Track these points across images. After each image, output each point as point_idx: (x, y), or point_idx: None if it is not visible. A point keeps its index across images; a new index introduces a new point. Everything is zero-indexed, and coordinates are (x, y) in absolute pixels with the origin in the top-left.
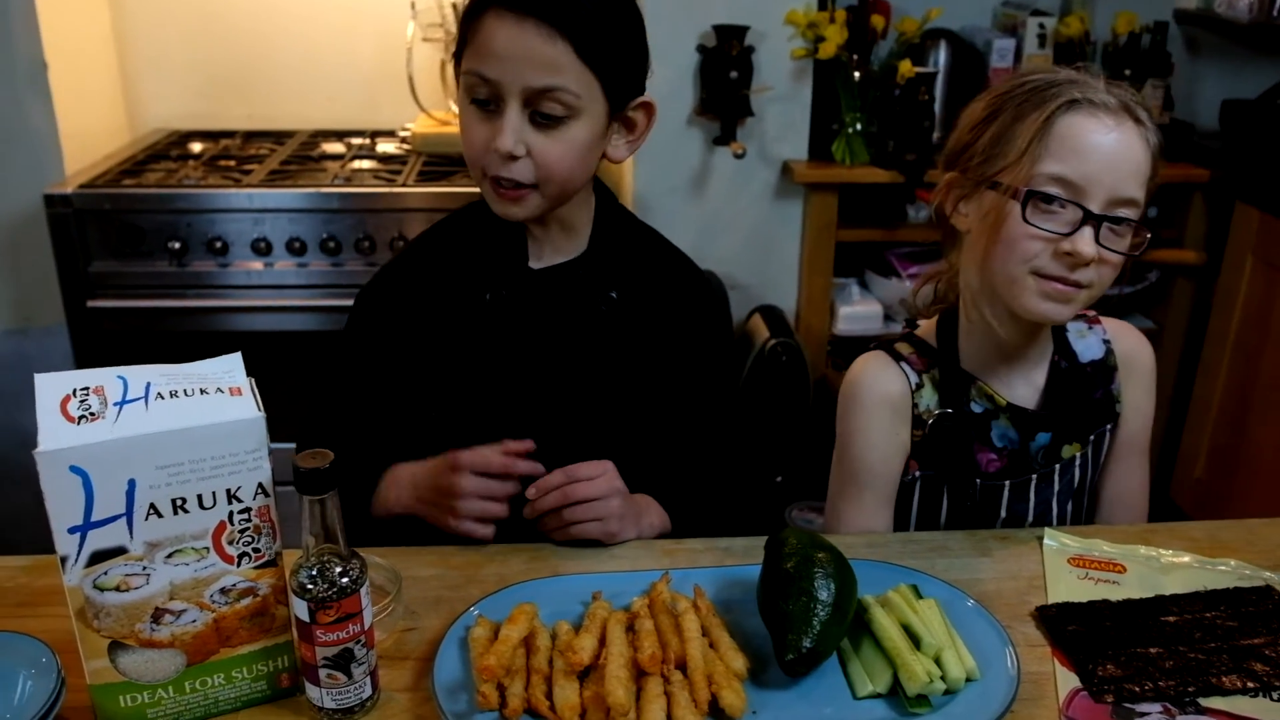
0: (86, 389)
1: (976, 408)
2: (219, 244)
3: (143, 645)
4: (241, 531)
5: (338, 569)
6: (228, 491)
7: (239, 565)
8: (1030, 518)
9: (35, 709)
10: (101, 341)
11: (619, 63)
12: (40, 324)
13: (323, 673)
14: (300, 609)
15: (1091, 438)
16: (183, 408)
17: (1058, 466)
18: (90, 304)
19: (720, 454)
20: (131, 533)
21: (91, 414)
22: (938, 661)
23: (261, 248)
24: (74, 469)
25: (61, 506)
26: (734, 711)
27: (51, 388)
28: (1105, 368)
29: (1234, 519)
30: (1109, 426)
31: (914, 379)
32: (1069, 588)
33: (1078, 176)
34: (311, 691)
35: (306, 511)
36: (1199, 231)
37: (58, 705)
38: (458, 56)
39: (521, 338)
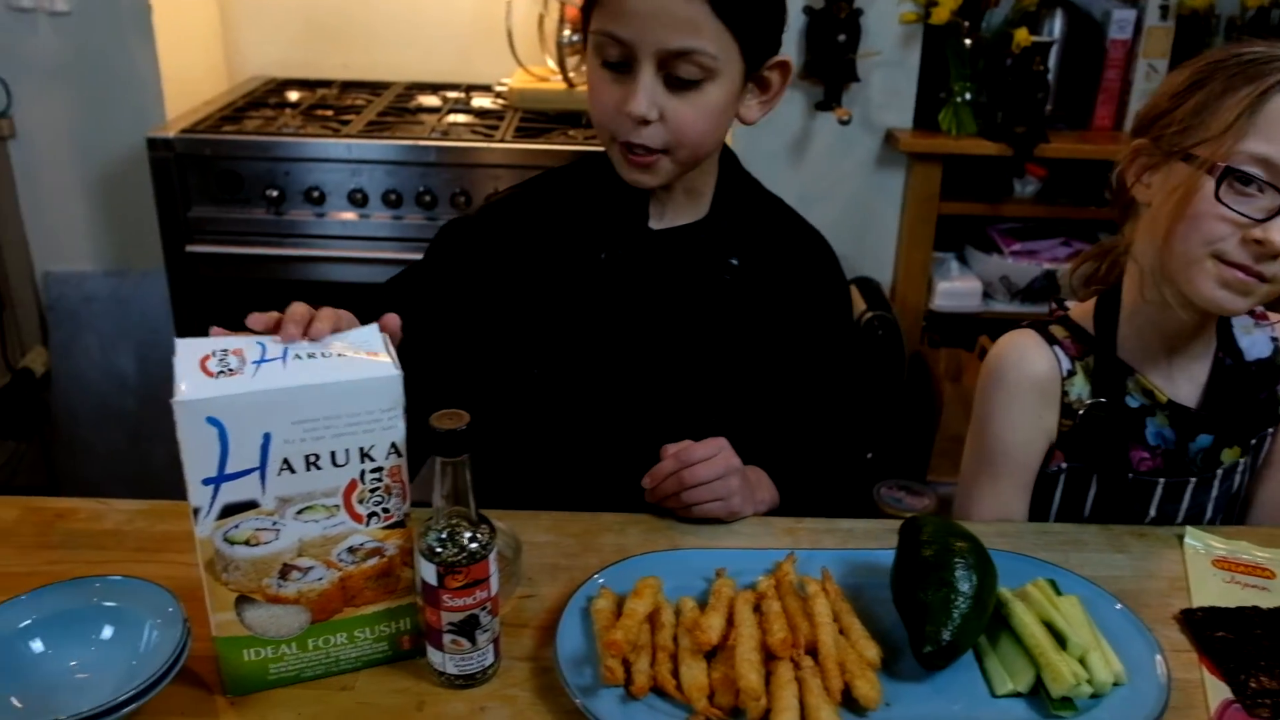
0: (225, 350)
1: (1132, 402)
2: (316, 193)
3: (269, 601)
4: (372, 490)
5: (467, 534)
6: (360, 450)
7: (367, 525)
8: (1180, 518)
9: (162, 658)
10: (198, 287)
11: (757, 21)
12: (138, 267)
13: (447, 638)
14: (428, 572)
15: (1253, 442)
16: (320, 366)
17: (1219, 472)
18: (188, 249)
19: (824, 429)
20: (264, 487)
21: (230, 370)
22: (1083, 663)
23: (358, 199)
24: (210, 420)
25: (197, 458)
26: (869, 703)
27: (191, 350)
28: (1272, 367)
29: None
30: (1270, 431)
31: (1066, 365)
32: (1215, 592)
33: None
34: (434, 656)
35: (439, 474)
36: None
37: (184, 656)
38: (586, 13)
39: (636, 299)
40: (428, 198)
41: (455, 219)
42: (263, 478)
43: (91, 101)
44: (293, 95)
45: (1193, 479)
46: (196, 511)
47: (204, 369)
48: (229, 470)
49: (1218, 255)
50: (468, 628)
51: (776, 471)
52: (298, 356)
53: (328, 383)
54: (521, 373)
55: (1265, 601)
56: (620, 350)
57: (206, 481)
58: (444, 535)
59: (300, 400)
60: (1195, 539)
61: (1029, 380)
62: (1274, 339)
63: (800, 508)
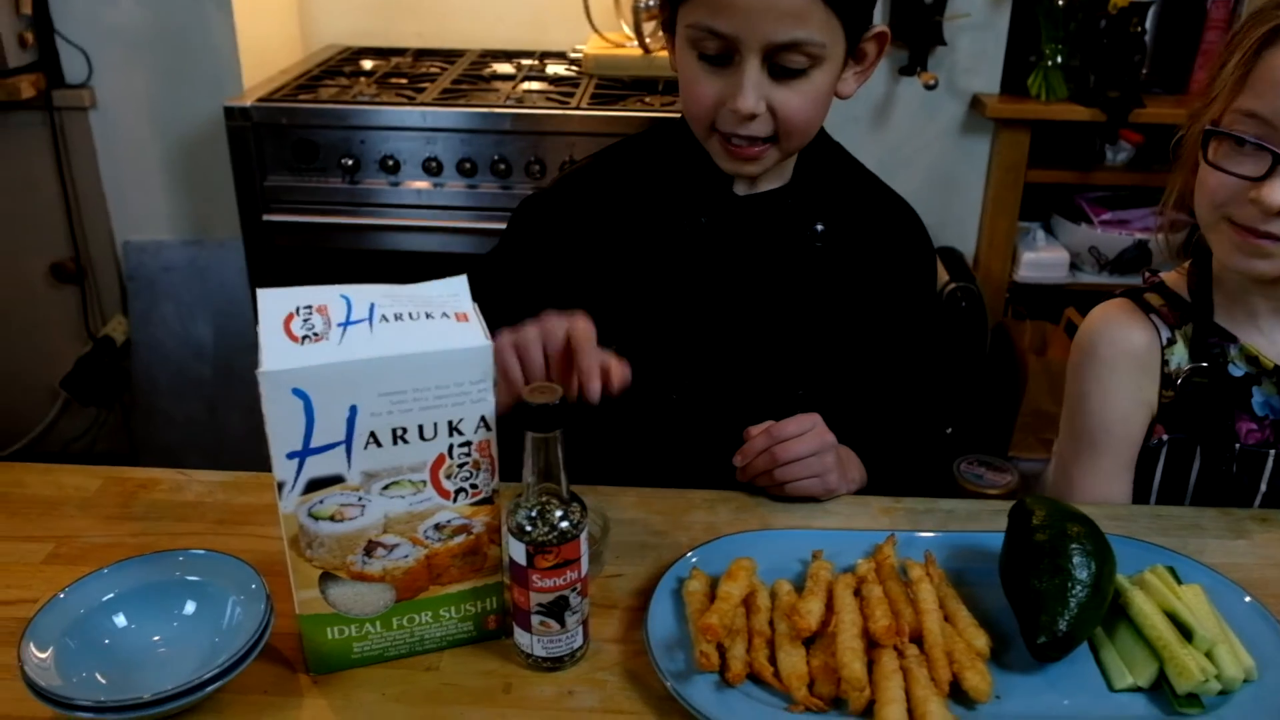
0: (310, 307)
1: (1235, 370)
2: (391, 162)
3: (353, 578)
4: (460, 466)
5: (558, 512)
6: (449, 423)
7: (455, 501)
8: None
9: (246, 635)
10: (274, 256)
11: (861, 1)
12: (215, 237)
13: (535, 619)
14: (517, 551)
15: None
16: (407, 331)
17: None
18: (265, 218)
19: (909, 403)
20: (350, 461)
21: (315, 334)
22: (1209, 657)
23: (432, 167)
24: (296, 391)
25: (282, 430)
26: (979, 695)
27: (275, 303)
28: None
29: None
30: None
31: (1165, 334)
32: None
33: (1273, 115)
34: (521, 637)
35: (530, 449)
36: None
37: (266, 634)
38: (674, 3)
39: (726, 268)
40: (502, 166)
41: (531, 195)
42: (349, 452)
43: (170, 72)
44: (367, 64)
45: None
46: (281, 486)
47: (288, 332)
48: (314, 444)
49: (1228, 218)
50: (557, 609)
51: (862, 446)
52: (384, 318)
53: (417, 353)
54: (607, 339)
55: None
56: (710, 321)
57: (291, 455)
58: (534, 513)
59: (388, 371)
60: None
61: (1126, 352)
62: None
63: (883, 485)
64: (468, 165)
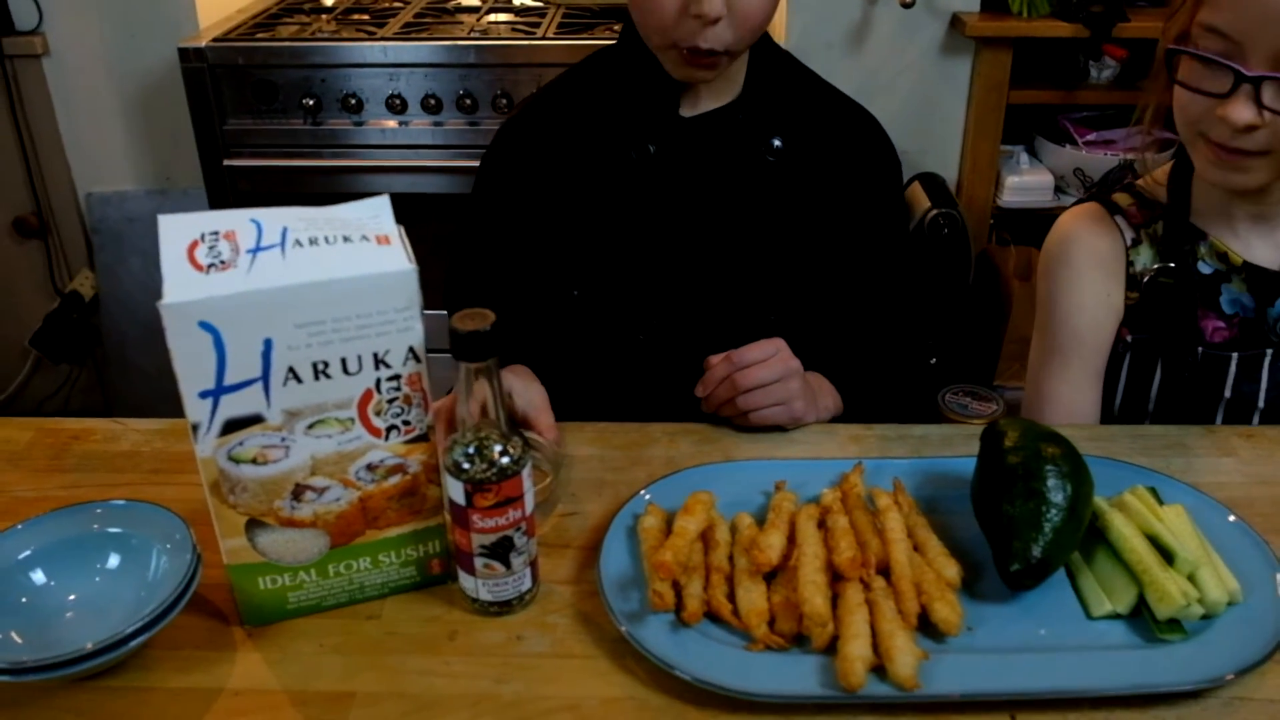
0: (216, 233)
1: (1205, 268)
2: (353, 100)
3: (283, 524)
4: (390, 401)
5: (497, 448)
6: (374, 355)
7: (387, 439)
8: (1262, 402)
9: (170, 587)
10: (238, 202)
11: None
12: (179, 185)
13: (479, 562)
14: (455, 491)
15: None
16: (324, 257)
17: None
18: (226, 163)
19: (887, 326)
20: (268, 399)
21: (222, 262)
22: (1192, 580)
23: (396, 105)
24: (203, 325)
25: (191, 368)
26: (948, 628)
27: (177, 230)
28: None
29: None
30: None
31: (1129, 235)
32: None
33: (1233, 30)
34: (466, 581)
35: (464, 381)
36: None
37: (193, 585)
38: None
39: (678, 193)
40: (468, 101)
41: (487, 148)
42: (266, 389)
43: (123, 14)
44: (328, 0)
45: (1270, 350)
46: (195, 428)
47: (193, 260)
48: (228, 381)
49: (1203, 134)
50: (501, 550)
51: (837, 373)
52: (298, 243)
53: (333, 279)
54: (567, 286)
55: None
56: (671, 251)
57: (204, 394)
58: (471, 450)
59: (303, 300)
60: None
61: (1091, 255)
62: None
63: (862, 413)
64: (432, 102)
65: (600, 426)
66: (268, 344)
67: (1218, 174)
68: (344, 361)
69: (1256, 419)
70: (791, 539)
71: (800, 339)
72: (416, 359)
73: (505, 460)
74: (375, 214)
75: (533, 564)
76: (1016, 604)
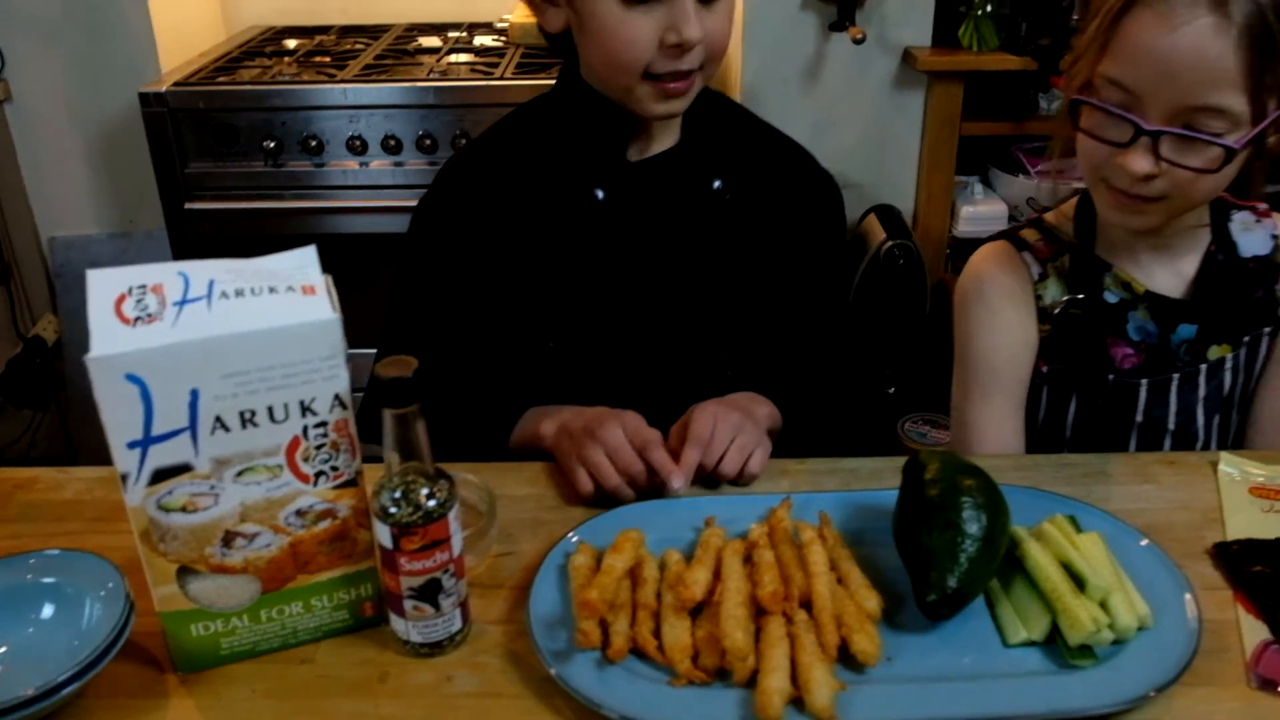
0: (144, 287)
1: (1111, 297)
2: (314, 143)
3: (214, 571)
4: (317, 448)
5: (424, 491)
6: (301, 403)
7: (315, 485)
8: (1171, 424)
9: (103, 634)
10: (200, 244)
11: None
12: (143, 227)
13: (408, 604)
14: (383, 535)
15: (1246, 340)
16: (249, 308)
17: (1204, 368)
18: (188, 206)
19: (835, 359)
20: (196, 448)
21: (149, 315)
22: (1104, 606)
23: (357, 146)
24: (130, 377)
25: (118, 419)
26: (867, 659)
27: (105, 285)
28: (1271, 265)
29: None
30: (1267, 331)
31: (1036, 270)
32: (1251, 522)
33: (1133, 84)
34: (396, 623)
35: (389, 427)
36: None
37: (125, 633)
38: None
39: (629, 240)
40: (428, 141)
41: (422, 198)
42: (194, 438)
43: (85, 60)
44: (290, 43)
45: (1176, 375)
46: (125, 478)
47: (119, 314)
48: (155, 432)
49: (1104, 179)
50: (429, 592)
51: (789, 407)
52: (224, 295)
53: (258, 330)
54: (535, 341)
55: None
56: (622, 294)
57: (132, 445)
58: (397, 494)
59: (228, 351)
60: (1231, 465)
61: (1002, 292)
62: (1274, 235)
63: (811, 442)
64: (392, 142)
65: (538, 466)
66: (194, 394)
67: (1118, 217)
68: (270, 410)
69: (1168, 441)
70: (718, 574)
71: (752, 375)
72: (343, 406)
73: (431, 504)
74: (302, 265)
75: (463, 605)
76: (936, 633)
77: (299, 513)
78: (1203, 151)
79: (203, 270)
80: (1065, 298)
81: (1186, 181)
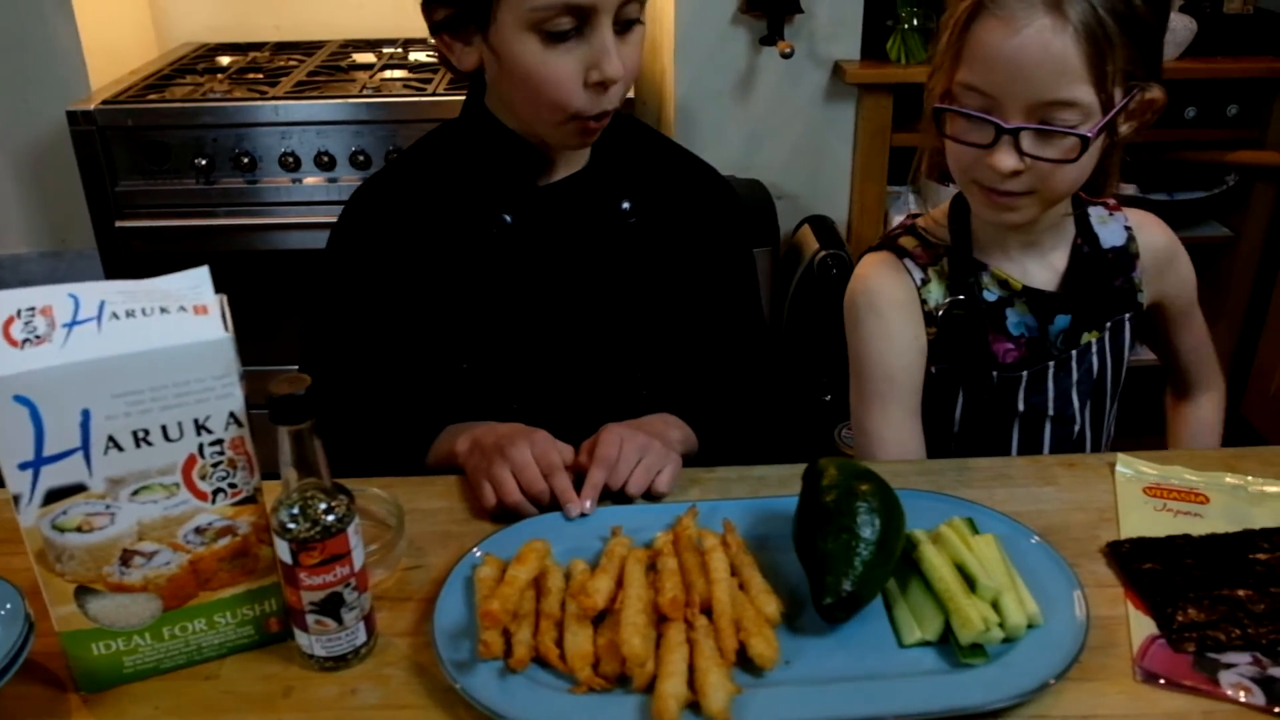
0: (33, 309)
1: (990, 296)
2: (245, 159)
3: (113, 590)
4: (214, 465)
5: (322, 506)
6: (195, 422)
7: (214, 502)
8: (1050, 410)
9: (0, 655)
10: (132, 262)
11: None
12: (75, 246)
13: (310, 618)
14: (282, 550)
15: (1109, 325)
16: (140, 328)
17: (1074, 354)
18: (118, 224)
19: (753, 370)
20: (90, 468)
21: (37, 337)
22: (996, 606)
23: (289, 163)
24: (19, 399)
25: (8, 440)
26: (764, 662)
27: None
28: (1126, 254)
29: None
30: (1129, 315)
31: (918, 275)
32: (1144, 520)
33: (988, 87)
34: (300, 638)
35: (285, 444)
36: None
37: (23, 653)
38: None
39: (538, 264)
40: (361, 158)
41: (336, 222)
42: (87, 458)
43: (12, 78)
44: (224, 60)
45: (1051, 363)
46: (17, 499)
47: (8, 336)
48: (47, 452)
49: (975, 180)
50: (331, 606)
51: (705, 418)
52: (114, 316)
53: (147, 350)
54: (449, 362)
55: (1197, 529)
56: (534, 317)
57: (24, 466)
58: (296, 510)
59: (118, 371)
60: (1126, 465)
61: (890, 301)
62: (1126, 227)
63: (740, 455)
64: (326, 159)
65: (450, 480)
66: (85, 414)
67: (992, 214)
68: (164, 429)
69: (1048, 426)
70: (621, 583)
71: (667, 393)
72: (239, 424)
73: (330, 519)
74: (195, 285)
75: (367, 618)
76: (834, 636)
77: (198, 530)
78: (1060, 143)
79: (93, 292)
80: (948, 300)
81: (1049, 173)
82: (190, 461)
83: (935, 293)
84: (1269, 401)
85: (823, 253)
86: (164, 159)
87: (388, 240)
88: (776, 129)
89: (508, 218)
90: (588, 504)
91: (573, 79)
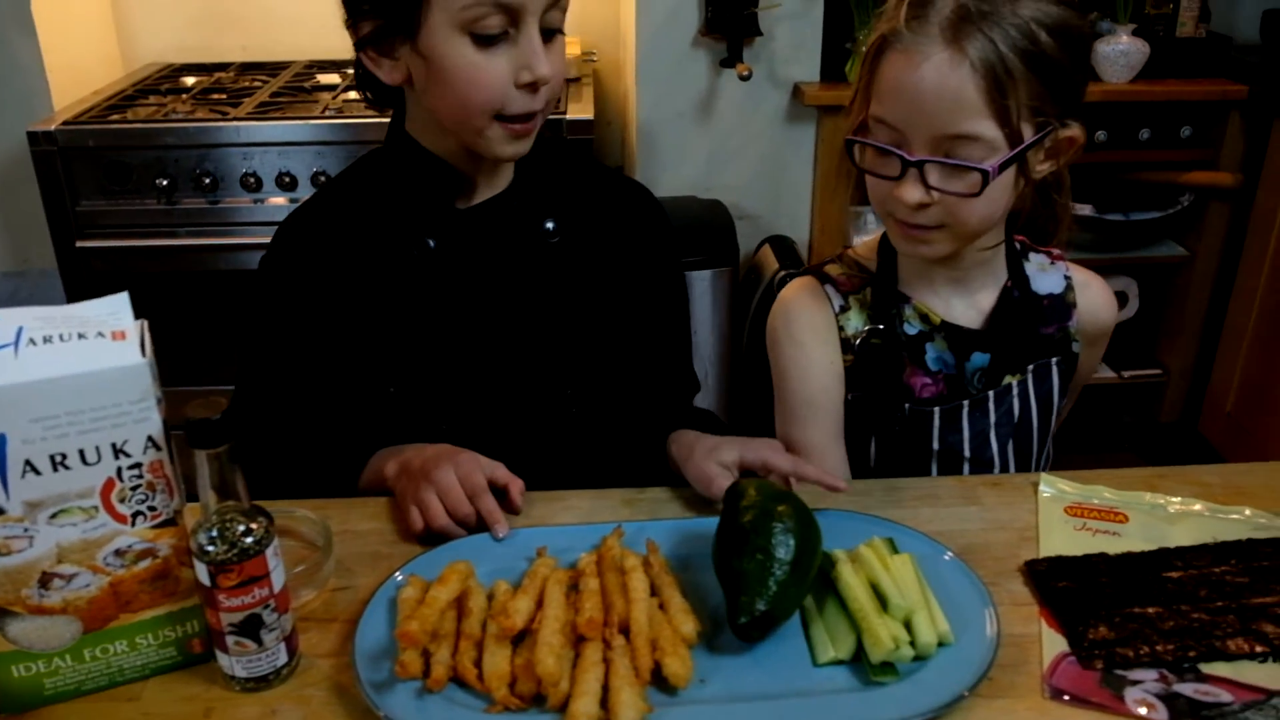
0: None
1: (910, 329)
2: (207, 180)
3: (32, 612)
4: (133, 489)
5: (240, 528)
6: (113, 446)
7: (133, 525)
8: (967, 451)
9: None
10: (93, 282)
11: None
12: (38, 265)
13: (230, 640)
14: (201, 573)
15: (1032, 368)
16: (57, 354)
17: (992, 394)
18: (79, 244)
19: (680, 386)
20: (7, 491)
21: None
22: (909, 625)
23: (251, 183)
24: None
25: None
26: (678, 681)
27: None
28: (1063, 303)
29: (1261, 460)
30: (1055, 360)
31: (838, 302)
32: (1064, 540)
33: (895, 120)
34: (221, 659)
35: (203, 467)
36: (1236, 152)
37: None
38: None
39: (461, 286)
40: (323, 178)
41: (265, 252)
42: (4, 482)
43: None
44: (188, 80)
45: (966, 401)
46: None
47: None
48: None
49: (889, 212)
50: (250, 628)
51: (633, 433)
52: (31, 341)
53: (64, 375)
54: (376, 386)
55: (1114, 548)
56: (460, 339)
57: None
58: (214, 533)
59: (36, 396)
60: (1049, 485)
61: (808, 326)
62: (1067, 277)
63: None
64: (287, 179)
65: (381, 502)
66: (2, 439)
67: (908, 247)
68: (82, 453)
69: (965, 468)
70: (541, 603)
71: (596, 410)
72: (157, 447)
73: (248, 540)
74: (114, 311)
75: (288, 639)
76: (751, 655)
77: (118, 552)
78: (965, 177)
79: (11, 318)
80: (866, 328)
81: (957, 207)
82: (109, 485)
83: (854, 321)
84: (1225, 419)
85: (783, 272)
86: (125, 179)
87: (313, 266)
88: (738, 150)
89: (430, 241)
90: (506, 529)
91: (504, 79)
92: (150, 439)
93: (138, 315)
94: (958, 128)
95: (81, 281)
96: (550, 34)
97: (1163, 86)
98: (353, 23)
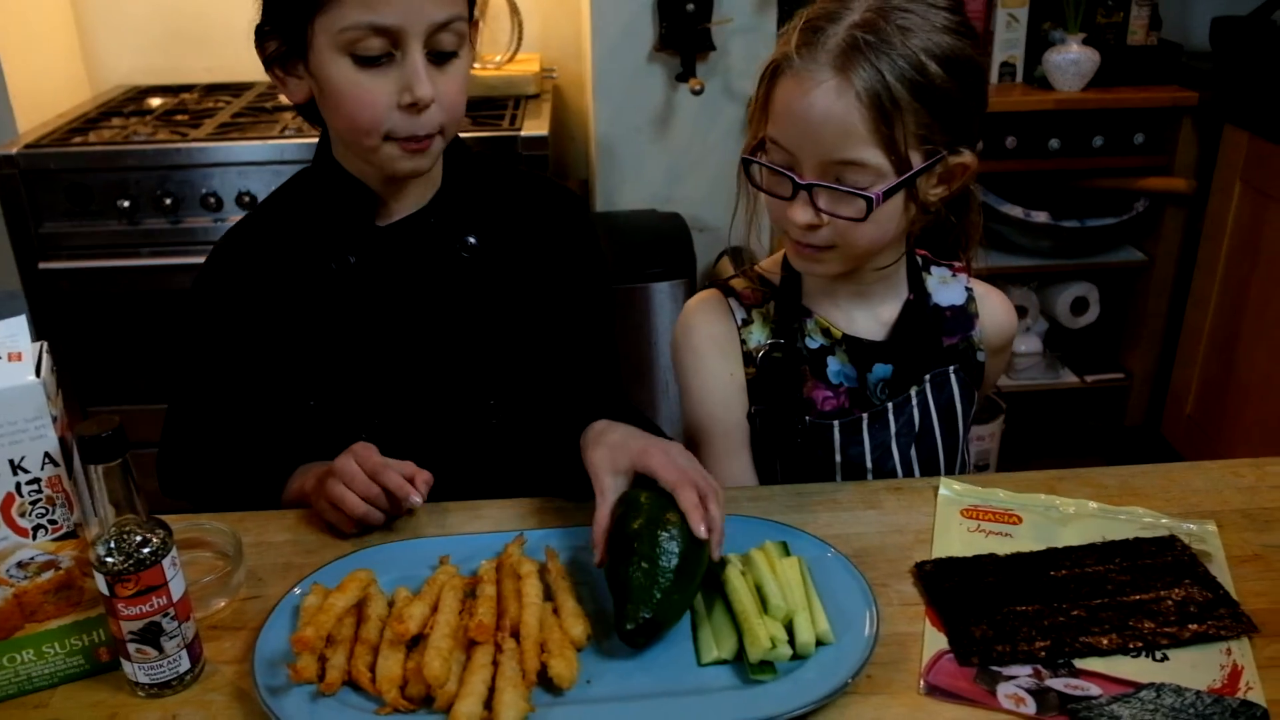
0: None
1: (813, 343)
2: (168, 201)
3: None
4: (33, 504)
5: (138, 539)
6: (10, 462)
7: (35, 538)
8: (869, 463)
9: None
10: (58, 303)
11: None
12: (4, 288)
13: (131, 647)
14: (100, 583)
15: (928, 377)
16: None
17: (891, 405)
18: (42, 266)
19: (603, 396)
20: None
21: None
22: (790, 625)
23: (211, 203)
24: None
25: None
26: (563, 682)
27: None
28: (965, 314)
29: (1214, 458)
30: (953, 368)
31: (740, 315)
32: (957, 541)
33: (787, 143)
34: (126, 666)
35: (99, 481)
36: (1189, 157)
37: None
38: (302, 20)
39: (382, 302)
40: None
41: (194, 280)
42: None
43: None
44: (154, 102)
45: (865, 413)
46: None
47: None
48: None
49: (785, 231)
50: (151, 635)
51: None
52: None
53: None
54: (302, 397)
55: (1005, 548)
56: (381, 354)
57: None
58: (112, 544)
59: None
60: (947, 488)
61: (709, 339)
62: (968, 289)
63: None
64: (247, 199)
65: (298, 514)
66: None
67: (802, 264)
68: None
69: (870, 479)
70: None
71: (518, 421)
72: (54, 463)
73: (145, 551)
74: (12, 333)
75: (190, 646)
76: (637, 657)
77: (20, 565)
78: (851, 202)
79: None
80: (768, 342)
81: (847, 230)
82: (8, 499)
83: (757, 334)
84: (1186, 422)
85: None
86: (87, 201)
87: (240, 285)
88: (695, 163)
89: (351, 258)
90: (420, 497)
91: (384, 101)
92: (48, 455)
93: (101, 335)
94: (844, 154)
95: (47, 303)
96: (444, 56)
97: (1115, 94)
98: (259, 42)
